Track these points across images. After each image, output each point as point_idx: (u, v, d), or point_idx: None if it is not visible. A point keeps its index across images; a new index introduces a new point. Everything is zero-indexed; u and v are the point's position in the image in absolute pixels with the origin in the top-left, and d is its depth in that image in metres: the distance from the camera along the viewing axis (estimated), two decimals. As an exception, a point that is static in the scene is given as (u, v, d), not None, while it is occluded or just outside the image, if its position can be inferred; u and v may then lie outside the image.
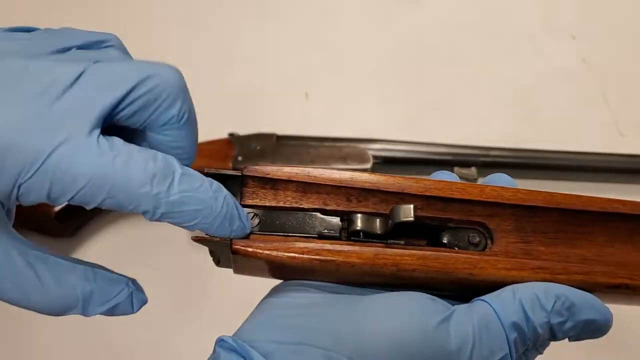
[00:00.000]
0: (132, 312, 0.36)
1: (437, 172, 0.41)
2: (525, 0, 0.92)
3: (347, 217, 0.38)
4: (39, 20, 0.40)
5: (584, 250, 0.38)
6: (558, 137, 0.81)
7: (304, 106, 0.84)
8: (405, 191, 0.38)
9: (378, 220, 0.38)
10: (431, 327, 0.34)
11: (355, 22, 0.91)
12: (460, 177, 0.73)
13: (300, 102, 0.84)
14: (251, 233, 0.37)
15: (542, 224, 0.38)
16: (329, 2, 0.93)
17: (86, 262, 0.35)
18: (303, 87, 0.85)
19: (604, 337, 0.37)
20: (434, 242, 0.39)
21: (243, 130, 0.76)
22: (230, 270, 0.39)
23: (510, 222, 0.38)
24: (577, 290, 0.36)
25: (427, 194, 0.38)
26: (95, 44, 0.35)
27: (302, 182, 0.38)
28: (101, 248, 0.73)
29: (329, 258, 0.36)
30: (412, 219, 0.35)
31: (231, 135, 0.75)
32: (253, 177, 0.38)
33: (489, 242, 0.38)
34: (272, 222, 0.38)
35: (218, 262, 0.39)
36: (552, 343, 0.37)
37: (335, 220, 0.38)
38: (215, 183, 0.34)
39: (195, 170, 0.34)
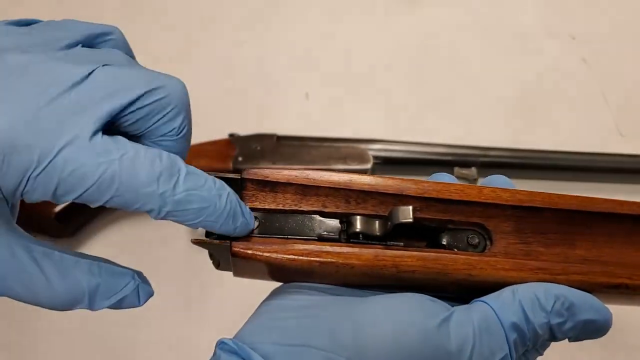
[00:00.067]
0: (139, 304, 0.36)
1: (435, 173, 0.41)
2: (525, 1, 0.92)
3: (346, 219, 0.38)
4: (40, 14, 0.40)
5: (584, 250, 0.38)
6: (558, 137, 0.81)
7: (304, 106, 0.84)
8: (404, 193, 0.38)
9: (377, 222, 0.38)
10: (431, 328, 0.34)
11: (356, 22, 0.91)
12: (460, 178, 0.73)
13: (301, 102, 0.84)
14: (251, 236, 0.37)
15: (541, 224, 0.38)
16: (329, 3, 0.93)
17: (91, 256, 0.35)
18: (303, 87, 0.85)
19: (604, 336, 0.37)
20: (434, 243, 0.39)
21: (243, 130, 0.76)
22: (231, 272, 0.39)
23: (509, 223, 0.38)
24: (576, 290, 0.36)
25: (426, 195, 0.38)
26: (98, 37, 0.35)
27: (301, 184, 0.38)
28: (101, 248, 0.73)
29: (329, 260, 0.36)
30: (411, 220, 0.36)
31: (231, 135, 0.76)
32: (252, 180, 0.38)
33: (488, 243, 0.38)
34: (271, 224, 0.38)
35: (218, 265, 0.39)
36: (552, 343, 0.38)
37: (335, 222, 0.38)
38: (219, 181, 0.34)
39: None
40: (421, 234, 0.39)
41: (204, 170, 0.34)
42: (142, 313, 0.67)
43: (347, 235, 0.38)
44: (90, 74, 0.31)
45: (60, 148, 0.29)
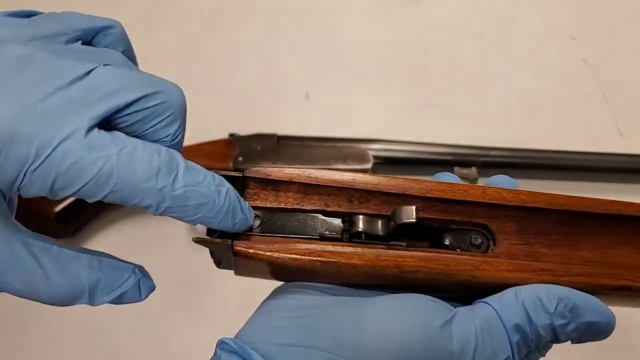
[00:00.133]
0: (140, 299, 0.35)
1: (439, 173, 0.41)
2: (526, 1, 0.92)
3: (348, 219, 0.38)
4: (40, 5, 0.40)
5: (587, 252, 0.38)
6: (558, 137, 0.81)
7: (304, 106, 0.84)
8: (407, 192, 0.38)
9: (380, 221, 0.37)
10: (433, 329, 0.33)
11: (356, 22, 0.91)
12: (461, 177, 0.73)
13: (301, 102, 0.84)
14: (252, 234, 0.37)
15: (545, 225, 0.38)
16: (330, 3, 0.92)
17: (91, 251, 0.34)
18: (304, 87, 0.85)
19: (607, 338, 0.37)
20: (436, 243, 0.38)
21: (244, 130, 0.76)
22: (232, 271, 0.39)
23: (513, 223, 0.38)
24: (579, 292, 0.36)
25: (429, 195, 0.38)
26: (99, 31, 0.35)
27: (303, 183, 0.38)
28: (101, 248, 0.71)
29: (331, 259, 0.36)
30: (414, 220, 0.35)
31: (232, 135, 0.75)
32: (254, 179, 0.38)
33: (491, 243, 0.38)
34: (273, 223, 0.38)
35: (219, 264, 0.39)
36: (554, 345, 0.37)
37: (337, 221, 0.38)
38: (218, 177, 0.34)
39: None
40: (424, 234, 0.39)
41: None
42: (142, 313, 0.67)
43: (349, 235, 0.38)
44: (90, 71, 0.31)
45: (58, 142, 0.29)
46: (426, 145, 0.76)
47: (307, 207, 0.38)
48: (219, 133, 0.75)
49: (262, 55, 0.88)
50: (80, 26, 0.34)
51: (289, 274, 0.38)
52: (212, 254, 0.38)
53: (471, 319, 0.34)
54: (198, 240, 0.36)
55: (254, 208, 0.37)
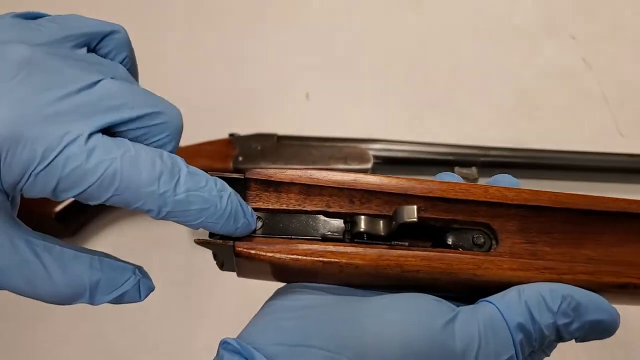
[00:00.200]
0: (140, 300, 0.35)
1: (440, 173, 0.41)
2: (525, 0, 0.92)
3: (350, 219, 0.38)
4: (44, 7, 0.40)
5: (590, 250, 0.38)
6: (558, 137, 0.81)
7: (304, 106, 0.84)
8: (408, 192, 0.38)
9: (381, 221, 0.37)
10: (436, 329, 0.33)
11: (356, 22, 0.91)
12: (461, 177, 0.73)
13: (301, 102, 0.84)
14: (254, 236, 0.37)
15: (547, 224, 0.38)
16: (330, 3, 0.92)
17: (92, 251, 0.34)
18: (304, 87, 0.85)
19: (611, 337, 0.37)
20: (438, 243, 0.38)
21: (244, 130, 0.76)
22: (234, 273, 0.39)
23: (515, 222, 0.38)
24: (583, 290, 0.36)
25: (431, 195, 0.38)
26: (104, 35, 0.36)
27: (305, 184, 0.38)
28: (101, 248, 0.71)
29: (333, 260, 0.36)
30: (415, 219, 0.35)
31: (232, 135, 0.75)
32: (256, 180, 0.38)
33: (493, 242, 0.38)
34: (275, 224, 0.38)
35: (222, 266, 0.39)
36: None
37: (339, 222, 0.38)
38: (220, 181, 0.34)
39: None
40: (426, 233, 0.39)
41: (205, 170, 0.34)
42: (142, 313, 0.67)
43: (351, 235, 0.38)
44: (97, 82, 0.32)
45: (64, 146, 0.29)
46: (426, 145, 0.76)
47: (309, 208, 0.38)
48: (219, 133, 0.75)
49: (263, 55, 0.88)
50: (86, 31, 0.35)
51: (291, 275, 0.38)
52: (215, 257, 0.38)
53: (474, 318, 0.34)
54: (200, 242, 0.36)
55: (256, 209, 0.37)
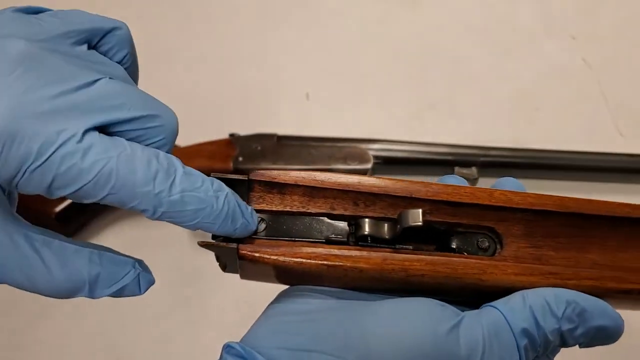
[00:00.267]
0: (140, 293, 0.35)
1: (445, 176, 0.41)
2: (526, 1, 0.92)
3: (354, 222, 0.38)
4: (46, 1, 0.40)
5: (595, 255, 0.38)
6: (558, 137, 0.80)
7: (304, 106, 0.84)
8: (413, 195, 0.38)
9: (386, 225, 0.37)
10: (441, 334, 0.33)
11: (356, 22, 0.91)
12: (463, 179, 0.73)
13: (301, 102, 0.84)
14: (258, 238, 0.36)
15: (552, 228, 0.38)
16: (330, 3, 0.92)
17: (92, 245, 0.35)
18: (304, 87, 0.85)
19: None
20: (443, 247, 0.38)
21: (244, 130, 0.76)
22: (235, 274, 0.39)
23: (520, 226, 0.38)
24: (587, 296, 0.36)
25: (436, 198, 0.38)
26: (106, 31, 0.36)
27: (309, 186, 0.38)
28: (101, 249, 0.72)
29: (337, 263, 0.36)
30: (420, 223, 0.35)
31: (232, 135, 0.75)
32: (260, 182, 0.38)
33: (498, 247, 0.38)
34: (279, 227, 0.38)
35: (224, 268, 0.39)
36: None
37: (343, 225, 0.38)
38: (217, 182, 0.34)
39: (197, 170, 0.34)
40: (431, 237, 0.38)
41: (205, 171, 0.34)
42: (142, 313, 0.67)
43: (355, 238, 0.37)
44: (96, 81, 0.32)
45: (60, 143, 0.29)
46: (426, 145, 0.75)
47: (313, 210, 0.38)
48: (219, 133, 0.75)
49: (263, 55, 0.88)
50: (88, 27, 0.35)
51: (295, 278, 0.38)
52: (218, 258, 0.38)
53: (478, 323, 0.34)
54: (203, 244, 0.36)
55: (259, 211, 0.37)
